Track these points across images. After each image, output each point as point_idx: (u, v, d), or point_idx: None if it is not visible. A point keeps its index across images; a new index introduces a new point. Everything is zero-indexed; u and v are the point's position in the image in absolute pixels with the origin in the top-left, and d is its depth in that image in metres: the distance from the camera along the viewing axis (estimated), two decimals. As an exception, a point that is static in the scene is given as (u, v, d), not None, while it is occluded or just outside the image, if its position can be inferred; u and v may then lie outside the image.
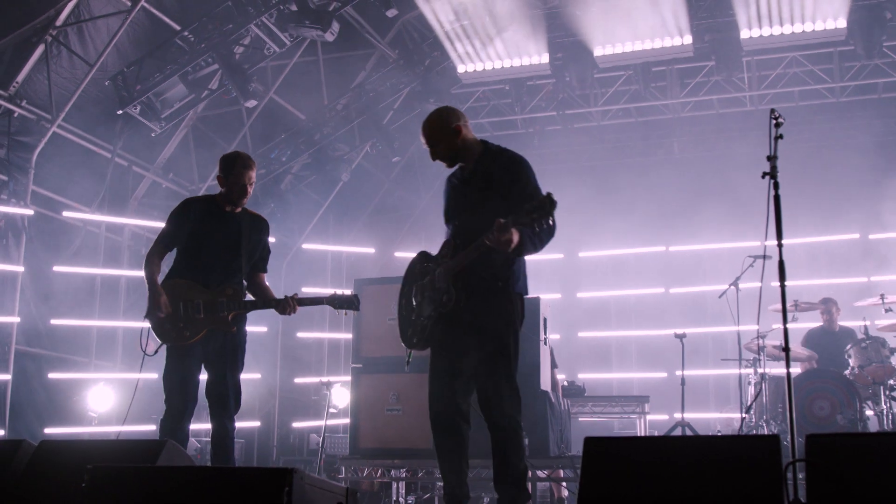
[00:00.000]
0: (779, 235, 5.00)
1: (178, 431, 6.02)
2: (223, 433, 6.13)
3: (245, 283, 6.40)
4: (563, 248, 14.79)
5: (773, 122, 4.97)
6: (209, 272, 6.20)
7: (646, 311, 14.53)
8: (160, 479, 3.76)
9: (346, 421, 12.10)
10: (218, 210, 6.35)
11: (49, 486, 4.64)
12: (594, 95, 14.34)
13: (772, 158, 4.94)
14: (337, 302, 6.40)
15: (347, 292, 6.48)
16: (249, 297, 6.38)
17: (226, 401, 6.14)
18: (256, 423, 11.95)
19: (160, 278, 6.25)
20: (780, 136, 4.97)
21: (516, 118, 15.09)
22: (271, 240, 6.72)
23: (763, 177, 4.96)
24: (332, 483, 3.84)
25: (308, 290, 12.33)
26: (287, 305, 6.24)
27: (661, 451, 3.84)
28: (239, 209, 6.39)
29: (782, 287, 4.90)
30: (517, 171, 5.42)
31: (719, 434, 10.94)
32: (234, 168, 6.29)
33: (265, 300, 6.34)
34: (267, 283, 6.56)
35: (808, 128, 14.70)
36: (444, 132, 5.52)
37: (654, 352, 14.15)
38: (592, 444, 3.91)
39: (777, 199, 4.94)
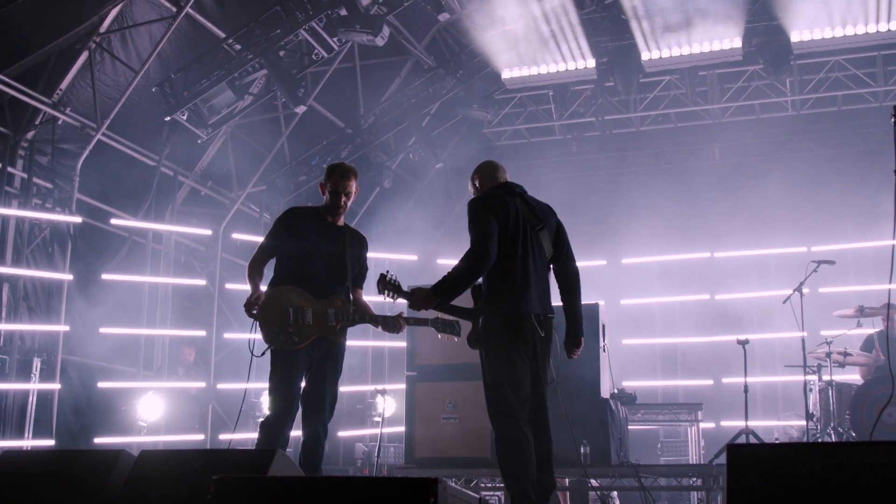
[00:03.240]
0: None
1: (280, 437, 5.93)
2: (316, 439, 6.07)
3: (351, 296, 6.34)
4: (606, 255, 14.64)
5: (894, 119, 4.80)
6: (317, 282, 6.14)
7: (691, 317, 14.34)
8: (294, 489, 3.62)
9: (391, 430, 11.98)
10: (322, 221, 6.30)
11: (153, 496, 4.52)
12: (633, 101, 14.22)
13: (906, 156, 4.77)
14: (440, 325, 6.36)
15: (449, 317, 6.32)
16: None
17: (323, 408, 6.09)
18: (297, 433, 11.77)
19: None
20: (907, 134, 4.79)
21: (554, 124, 14.98)
22: None
23: (901, 175, 4.79)
24: (468, 493, 3.72)
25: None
26: (397, 324, 6.24)
27: (812, 458, 3.70)
28: (339, 221, 6.35)
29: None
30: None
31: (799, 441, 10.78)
32: (331, 175, 6.30)
33: (373, 316, 6.27)
34: (365, 300, 6.49)
35: (850, 132, 14.58)
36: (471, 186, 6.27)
37: (700, 359, 14.00)
38: (737, 452, 3.77)
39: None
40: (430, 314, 6.52)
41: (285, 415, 5.94)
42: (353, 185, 6.28)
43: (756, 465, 3.70)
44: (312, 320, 6.02)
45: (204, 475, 4.39)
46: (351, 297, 6.31)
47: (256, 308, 6.00)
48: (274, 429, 5.92)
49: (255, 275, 6.19)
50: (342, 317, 6.12)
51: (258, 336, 6.05)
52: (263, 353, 6.03)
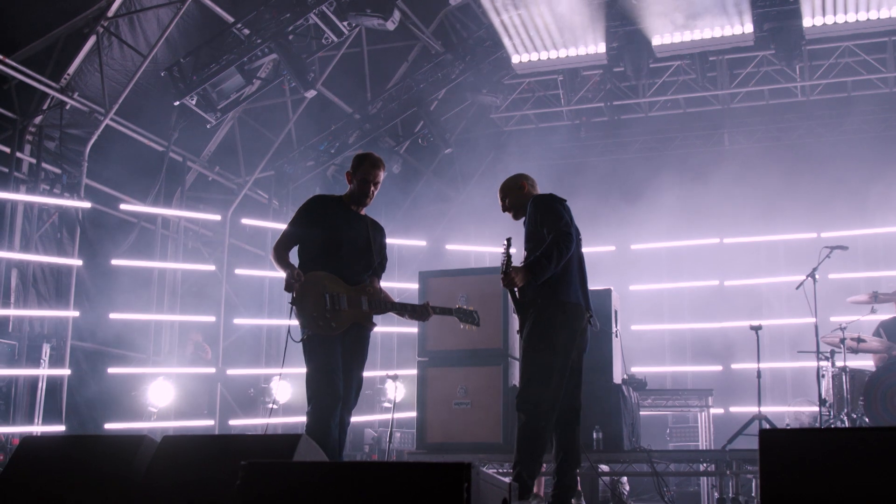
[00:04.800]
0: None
1: (332, 421, 5.81)
2: (341, 426, 5.96)
3: None
4: (615, 241, 14.59)
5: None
6: (347, 268, 6.09)
7: (700, 303, 14.31)
8: (325, 474, 3.58)
9: (399, 415, 11.97)
10: (347, 209, 6.27)
11: (177, 481, 4.49)
12: (642, 86, 14.16)
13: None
14: (462, 315, 6.44)
15: (469, 308, 6.51)
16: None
17: (350, 395, 6.04)
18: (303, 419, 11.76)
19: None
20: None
21: (562, 109, 14.91)
22: None
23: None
24: (499, 478, 3.69)
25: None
26: (425, 312, 6.26)
27: (844, 443, 3.67)
28: (363, 210, 6.34)
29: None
30: (530, 213, 6.28)
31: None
32: (361, 165, 6.26)
33: (402, 304, 6.30)
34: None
35: (860, 118, 14.52)
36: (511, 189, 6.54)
37: (709, 345, 13.98)
38: (770, 437, 3.74)
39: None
40: (454, 303, 6.66)
41: (335, 400, 5.83)
42: (382, 176, 6.30)
43: (789, 449, 3.67)
44: (348, 306, 5.99)
45: (228, 461, 4.36)
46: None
47: (298, 283, 5.90)
48: (326, 414, 5.79)
49: (284, 257, 6.15)
50: (375, 304, 6.13)
51: (293, 322, 5.98)
52: (303, 339, 5.94)
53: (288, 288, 5.96)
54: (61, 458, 4.81)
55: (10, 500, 4.73)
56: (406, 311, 6.27)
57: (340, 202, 6.31)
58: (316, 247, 6.14)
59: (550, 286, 6.02)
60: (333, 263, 6.06)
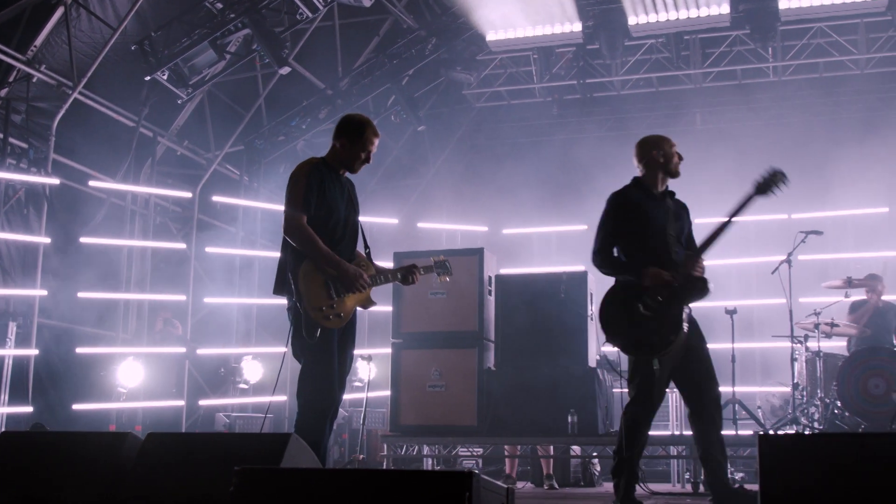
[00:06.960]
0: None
1: (328, 428, 5.44)
2: (335, 412, 5.56)
3: None
4: (587, 220, 14.52)
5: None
6: (341, 245, 5.59)
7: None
8: (322, 482, 3.52)
9: (370, 395, 11.94)
10: (336, 175, 5.69)
11: (164, 482, 4.42)
12: (615, 65, 14.08)
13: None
14: (440, 269, 6.31)
15: (441, 258, 6.37)
16: None
17: (344, 379, 5.61)
18: (284, 398, 11.69)
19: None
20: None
21: (534, 86, 14.80)
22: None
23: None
24: (496, 483, 3.65)
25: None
26: (414, 274, 5.90)
27: (844, 448, 3.67)
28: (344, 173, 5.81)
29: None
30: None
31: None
32: (364, 133, 5.65)
33: (392, 272, 5.89)
34: None
35: (831, 100, 14.58)
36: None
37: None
38: (769, 442, 3.73)
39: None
40: (430, 284, 6.53)
41: (332, 402, 5.44)
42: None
43: (788, 455, 3.67)
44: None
45: (214, 460, 4.31)
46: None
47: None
48: (322, 416, 5.37)
49: (319, 240, 5.44)
50: (373, 279, 5.66)
51: (281, 301, 5.56)
52: (319, 337, 5.33)
53: (358, 287, 5.48)
54: (42, 454, 4.71)
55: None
56: (397, 277, 5.87)
57: (328, 166, 5.68)
58: (319, 222, 5.52)
59: None
60: (330, 240, 5.51)
